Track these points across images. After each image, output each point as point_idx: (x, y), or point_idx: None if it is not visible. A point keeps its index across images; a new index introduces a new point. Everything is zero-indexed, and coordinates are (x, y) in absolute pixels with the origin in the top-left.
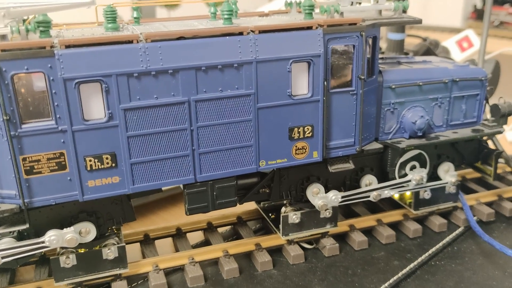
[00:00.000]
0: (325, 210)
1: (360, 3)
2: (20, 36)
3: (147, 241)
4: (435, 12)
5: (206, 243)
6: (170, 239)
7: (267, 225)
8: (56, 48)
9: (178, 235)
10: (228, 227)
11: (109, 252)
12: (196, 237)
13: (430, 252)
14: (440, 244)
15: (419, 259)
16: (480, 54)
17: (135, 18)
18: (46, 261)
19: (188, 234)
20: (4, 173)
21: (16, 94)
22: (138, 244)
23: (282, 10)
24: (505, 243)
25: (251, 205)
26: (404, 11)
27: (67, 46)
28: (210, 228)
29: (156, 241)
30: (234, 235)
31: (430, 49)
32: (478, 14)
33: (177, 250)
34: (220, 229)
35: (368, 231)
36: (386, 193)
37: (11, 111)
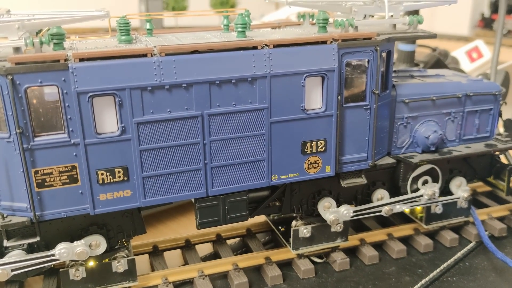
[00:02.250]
0: (336, 224)
1: (373, 16)
2: (34, 49)
3: (156, 253)
4: (442, 20)
5: (215, 255)
6: (179, 250)
7: (276, 238)
8: (70, 61)
9: (187, 246)
10: (237, 239)
11: (119, 265)
12: (205, 249)
13: (441, 267)
14: (452, 259)
15: (431, 275)
16: (493, 66)
17: (147, 29)
18: (55, 272)
19: (197, 246)
20: (16, 186)
21: (29, 107)
22: (147, 255)
23: (295, 22)
24: None
25: (260, 217)
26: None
27: (81, 59)
28: (219, 240)
29: (165, 253)
30: (243, 247)
31: (440, 59)
32: (486, 23)
33: (186, 262)
34: (229, 241)
35: (378, 245)
36: (398, 207)
37: (24, 124)
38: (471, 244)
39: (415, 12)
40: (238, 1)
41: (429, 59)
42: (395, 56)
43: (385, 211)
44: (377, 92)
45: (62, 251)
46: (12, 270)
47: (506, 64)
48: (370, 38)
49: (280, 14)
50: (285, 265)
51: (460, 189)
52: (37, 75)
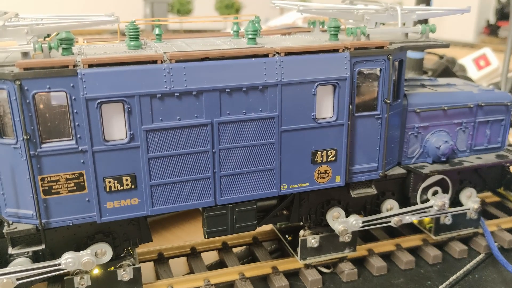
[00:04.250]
0: (345, 234)
1: (383, 24)
2: (43, 54)
3: (161, 260)
4: (448, 27)
5: (221, 263)
6: (184, 258)
7: (283, 247)
8: (79, 67)
9: (193, 254)
10: (243, 248)
11: (124, 274)
12: (211, 257)
13: (450, 280)
14: (461, 271)
15: (440, 287)
16: (503, 75)
17: (157, 35)
18: (59, 279)
19: (202, 254)
20: (22, 193)
21: (37, 113)
22: (152, 263)
23: (305, 28)
24: None
25: (267, 226)
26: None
27: (90, 65)
28: (225, 248)
29: (170, 260)
30: (250, 256)
31: (448, 67)
32: (491, 30)
33: (191, 270)
34: (235, 249)
35: (387, 256)
36: (408, 218)
37: (32, 130)
38: (481, 256)
39: (425, 21)
40: (243, 4)
41: (437, 67)
42: None
43: (394, 221)
44: (388, 101)
45: (68, 260)
46: (18, 279)
47: None
48: (382, 47)
49: (285, 19)
50: (292, 275)
51: (470, 200)
52: (46, 81)
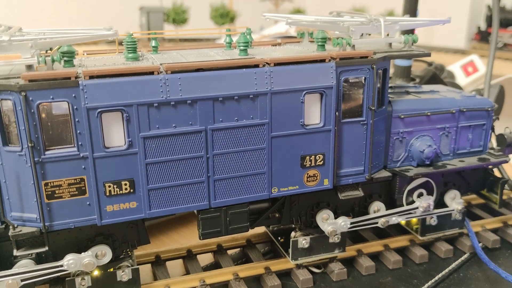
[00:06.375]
0: (334, 235)
1: (369, 34)
2: (46, 66)
3: (158, 262)
4: (439, 33)
5: (216, 265)
6: (180, 260)
7: (276, 248)
8: (80, 79)
9: (189, 256)
10: (237, 250)
11: (123, 274)
12: (206, 259)
13: (436, 278)
14: (446, 270)
15: (426, 286)
16: (486, 81)
17: (153, 47)
18: (60, 281)
19: (198, 256)
20: (26, 197)
21: (41, 122)
22: (150, 265)
23: (295, 39)
24: (510, 271)
25: (260, 228)
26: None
27: (91, 77)
28: (220, 250)
29: (167, 263)
30: (244, 258)
31: (436, 74)
32: (482, 36)
33: (187, 272)
34: (229, 251)
35: (375, 256)
36: (394, 219)
37: (36, 138)
38: (465, 255)
39: (411, 31)
40: (238, 13)
41: (425, 74)
42: (392, 71)
43: (381, 222)
44: (373, 108)
45: (70, 262)
46: (22, 280)
47: (501, 78)
48: (366, 57)
49: (279, 28)
50: (284, 275)
51: (454, 201)
52: (49, 92)
